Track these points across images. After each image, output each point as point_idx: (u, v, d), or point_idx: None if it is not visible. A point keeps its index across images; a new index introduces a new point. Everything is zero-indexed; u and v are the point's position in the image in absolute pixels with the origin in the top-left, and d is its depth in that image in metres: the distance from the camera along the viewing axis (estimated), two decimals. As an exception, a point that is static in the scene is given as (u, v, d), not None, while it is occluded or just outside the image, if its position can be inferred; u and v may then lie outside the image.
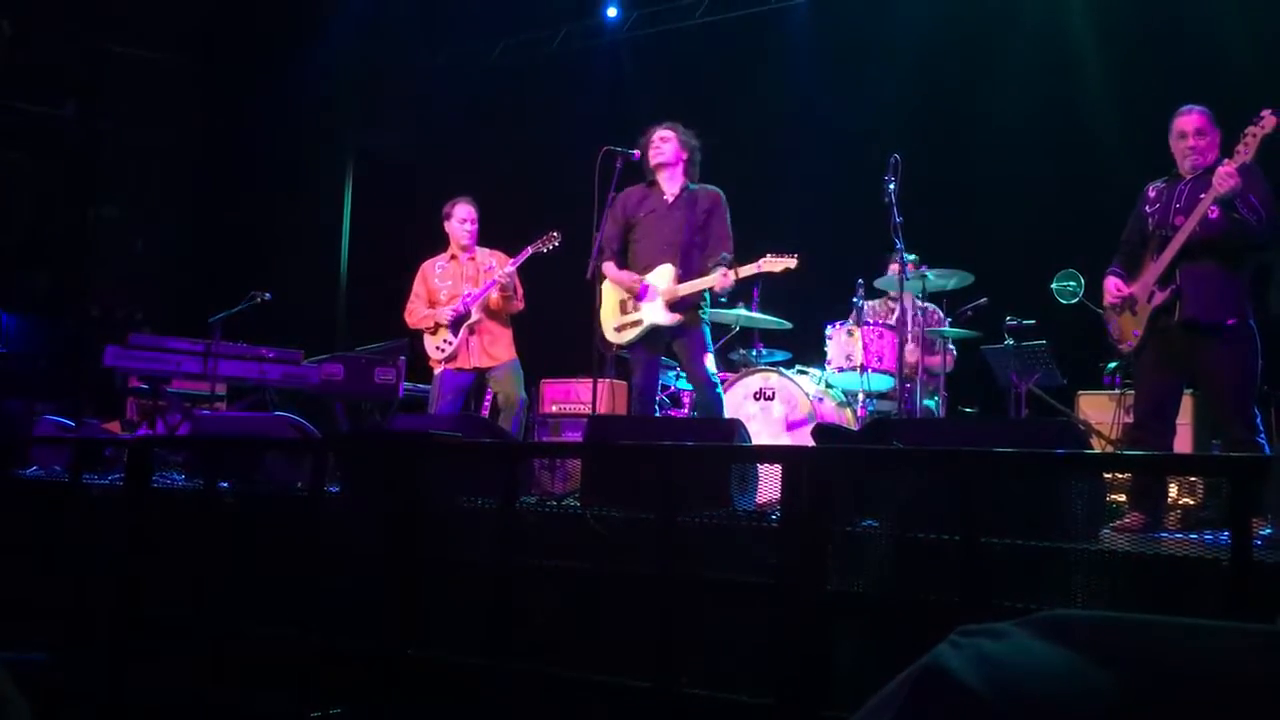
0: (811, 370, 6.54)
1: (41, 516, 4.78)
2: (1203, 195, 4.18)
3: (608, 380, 6.65)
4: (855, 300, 6.45)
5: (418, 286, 6.38)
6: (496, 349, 6.17)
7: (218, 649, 4.02)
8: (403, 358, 7.27)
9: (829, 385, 6.36)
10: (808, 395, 6.04)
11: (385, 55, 10.26)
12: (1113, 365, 5.96)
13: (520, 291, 6.20)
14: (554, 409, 7.34)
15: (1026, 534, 2.83)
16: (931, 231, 6.28)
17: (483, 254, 6.34)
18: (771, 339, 7.00)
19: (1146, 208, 4.50)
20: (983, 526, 2.78)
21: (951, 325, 6.43)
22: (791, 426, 6.03)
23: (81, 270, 10.57)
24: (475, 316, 6.13)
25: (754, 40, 8.70)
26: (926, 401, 6.19)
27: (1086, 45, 7.34)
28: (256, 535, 4.21)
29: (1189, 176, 4.38)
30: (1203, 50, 6.70)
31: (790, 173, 8.07)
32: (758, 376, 6.27)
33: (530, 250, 6.11)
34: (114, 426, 7.73)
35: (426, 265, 6.43)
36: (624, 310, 5.46)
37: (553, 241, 6.10)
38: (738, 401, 6.19)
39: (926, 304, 6.52)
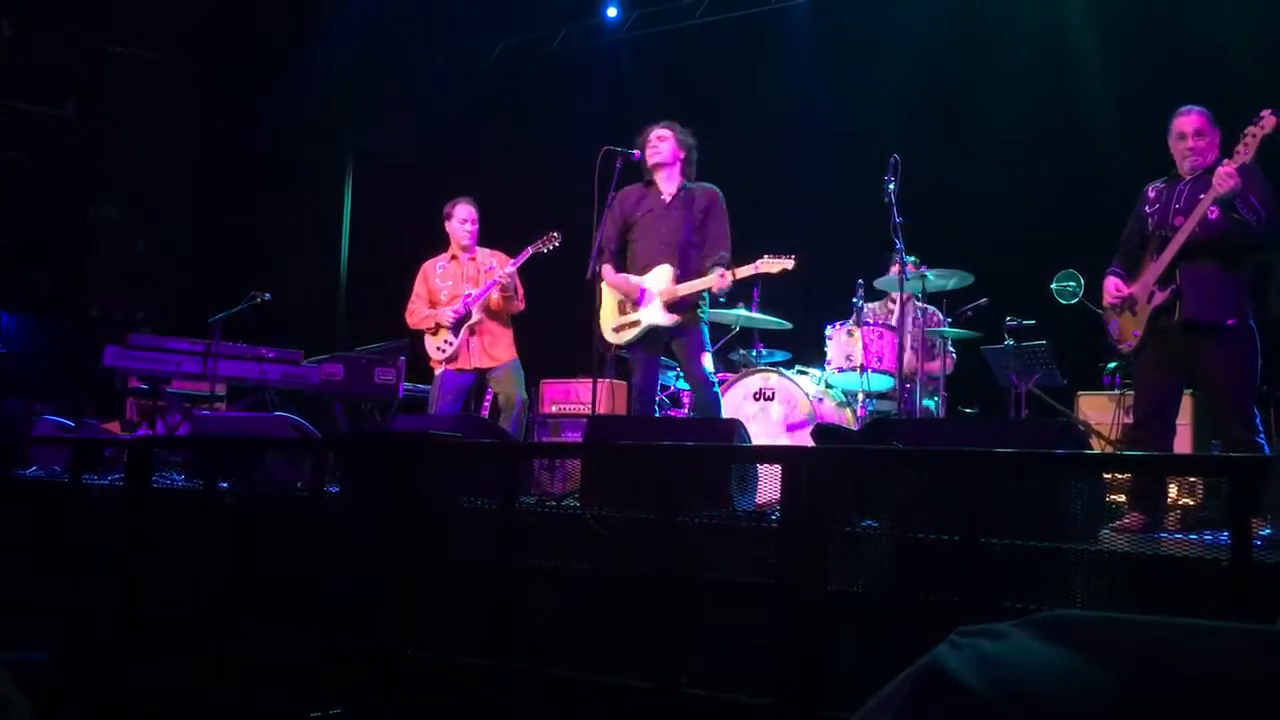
0: (811, 370, 6.55)
1: (41, 516, 4.78)
2: (1202, 195, 4.18)
3: (607, 380, 6.66)
4: (855, 300, 6.45)
5: (418, 287, 6.38)
6: (497, 349, 6.17)
7: (218, 649, 4.03)
8: (403, 358, 7.27)
9: (829, 385, 6.36)
10: (807, 396, 6.04)
11: (385, 55, 10.27)
12: (1112, 365, 5.96)
13: (521, 292, 6.20)
14: (554, 409, 7.34)
15: (1026, 534, 2.83)
16: (931, 232, 6.28)
17: (483, 254, 6.34)
18: (771, 339, 7.00)
19: (1146, 208, 4.50)
20: (982, 527, 2.78)
21: (951, 325, 6.43)
22: (791, 428, 6.03)
23: (81, 270, 10.57)
24: (476, 317, 6.13)
25: (754, 40, 8.70)
26: (926, 402, 6.19)
27: (1086, 45, 7.34)
28: (256, 535, 4.21)
29: (1188, 177, 4.38)
30: (1202, 50, 6.70)
31: (790, 173, 8.08)
32: (757, 377, 6.28)
33: (531, 250, 6.11)
34: (114, 427, 7.73)
35: (427, 265, 6.43)
36: (622, 310, 5.46)
37: (553, 242, 6.10)
38: (737, 402, 6.19)
39: (926, 305, 6.52)
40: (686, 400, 6.82)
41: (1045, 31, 7.46)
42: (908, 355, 6.10)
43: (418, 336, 6.46)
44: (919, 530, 2.95)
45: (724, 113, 8.23)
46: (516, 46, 9.97)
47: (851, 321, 6.40)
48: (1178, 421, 4.45)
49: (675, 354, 5.56)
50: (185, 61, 10.95)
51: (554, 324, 6.56)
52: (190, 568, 4.22)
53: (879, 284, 6.49)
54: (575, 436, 6.69)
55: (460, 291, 6.22)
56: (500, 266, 6.17)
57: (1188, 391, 4.83)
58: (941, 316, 6.54)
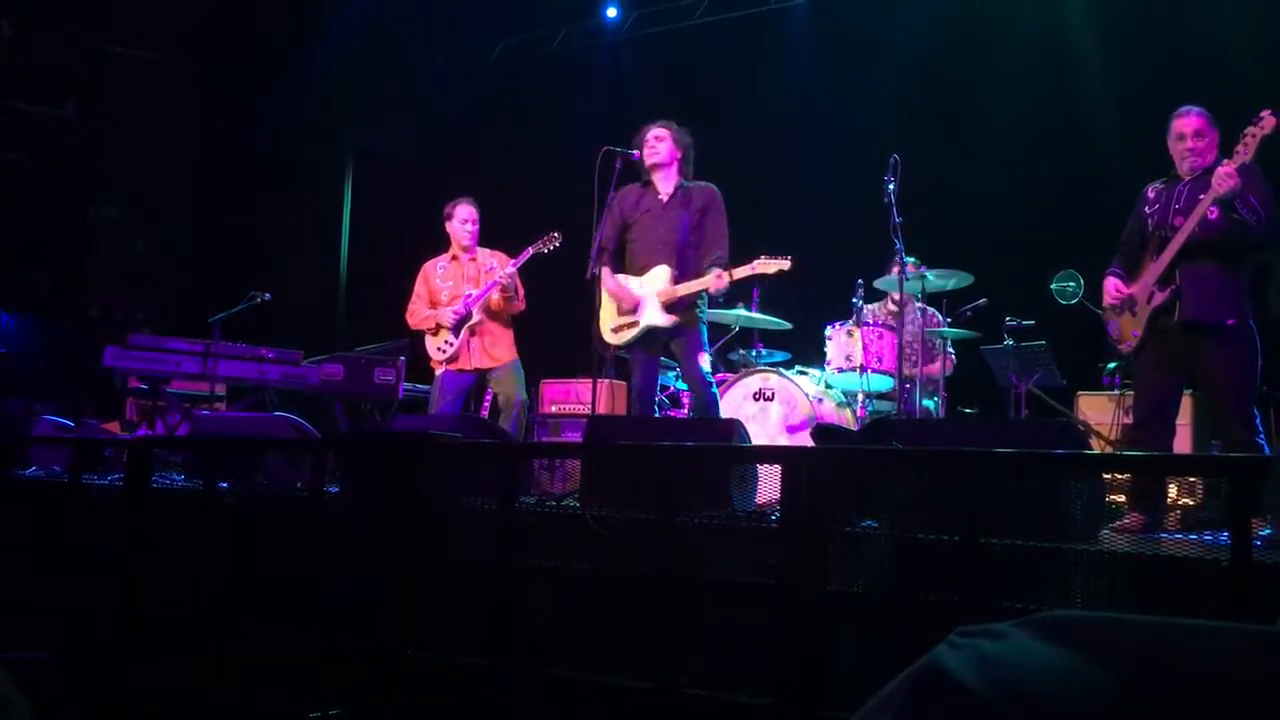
0: (811, 371, 6.55)
1: (41, 516, 4.78)
2: (1202, 196, 4.18)
3: (607, 380, 6.65)
4: (855, 301, 6.45)
5: (419, 287, 6.38)
6: (498, 350, 6.17)
7: (218, 649, 4.03)
8: (402, 358, 7.27)
9: (829, 386, 6.36)
10: (807, 396, 6.04)
11: (385, 55, 10.27)
12: (1112, 366, 5.96)
13: (521, 292, 6.20)
14: (554, 409, 7.34)
15: (1026, 534, 2.83)
16: (931, 232, 6.27)
17: (484, 254, 6.34)
18: (771, 339, 7.00)
19: (1146, 208, 4.50)
20: (982, 527, 2.78)
21: (951, 326, 6.44)
22: (791, 430, 6.03)
23: (81, 270, 10.57)
24: (476, 317, 6.12)
25: (754, 40, 8.70)
26: (926, 402, 6.19)
27: (1086, 45, 7.34)
28: (256, 535, 4.21)
29: (1188, 177, 4.38)
30: (1202, 50, 6.70)
31: (790, 173, 8.07)
32: (757, 377, 6.27)
33: (531, 251, 6.11)
34: (113, 427, 7.73)
35: (428, 266, 6.43)
36: (621, 311, 5.46)
37: (553, 242, 6.10)
38: (737, 402, 6.19)
39: (925, 306, 6.52)
40: (686, 401, 6.81)
41: (1045, 31, 7.46)
42: (907, 362, 6.11)
43: (418, 337, 6.46)
44: (919, 530, 2.95)
45: (724, 113, 8.23)
46: (516, 46, 9.97)
47: (851, 322, 6.40)
48: (1178, 422, 4.45)
49: (674, 354, 5.56)
50: (185, 61, 10.95)
51: (554, 324, 6.56)
52: (190, 568, 4.22)
53: (879, 284, 6.49)
54: (575, 436, 6.69)
55: (461, 292, 6.22)
56: (501, 267, 6.17)
57: (1188, 392, 4.83)
58: (941, 317, 6.54)
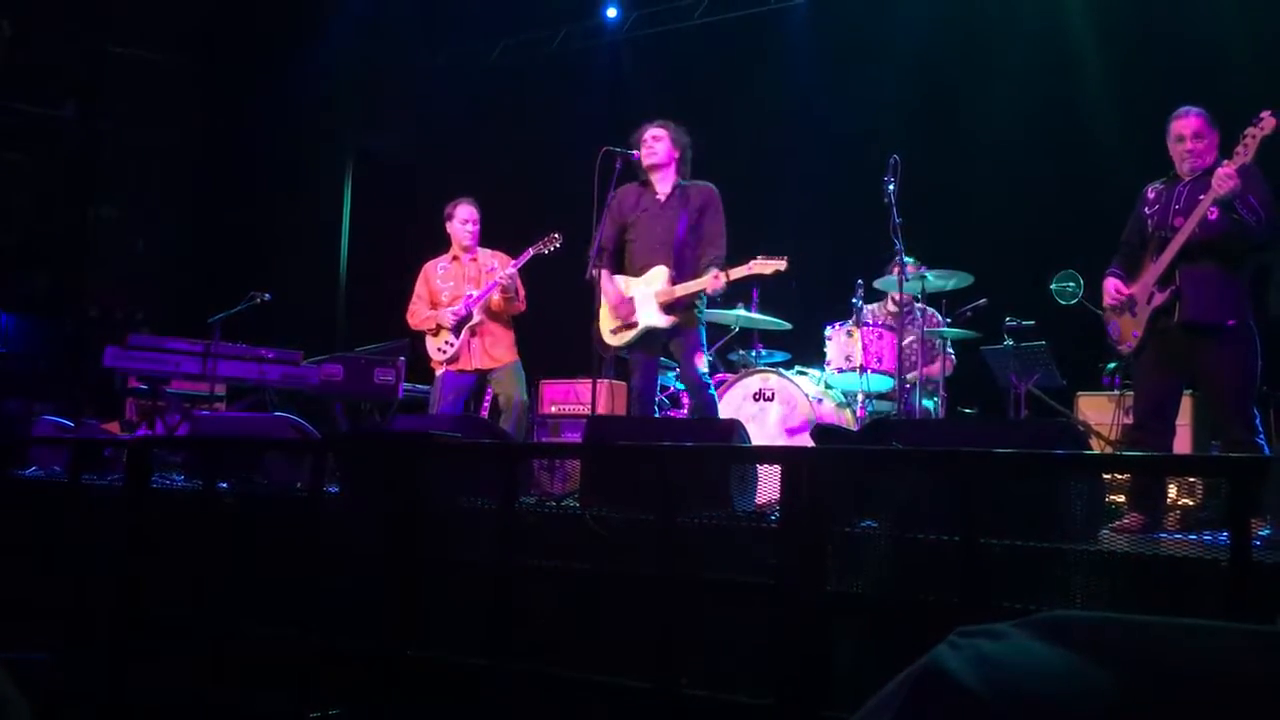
0: (811, 371, 6.54)
1: (41, 516, 4.78)
2: (1202, 196, 4.18)
3: (607, 381, 6.65)
4: (855, 301, 6.45)
5: (419, 287, 6.38)
6: (498, 350, 6.17)
7: (218, 649, 4.03)
8: (402, 358, 7.27)
9: (828, 386, 6.36)
10: (807, 396, 6.04)
11: (385, 55, 10.26)
12: (1112, 366, 5.97)
13: (522, 293, 6.19)
14: (553, 409, 7.34)
15: (1026, 535, 2.83)
16: (931, 232, 6.28)
17: (484, 255, 6.33)
18: (771, 340, 7.00)
19: (1145, 209, 4.50)
20: (982, 527, 2.78)
21: (951, 326, 6.44)
22: (791, 432, 6.02)
23: (81, 270, 10.57)
24: (477, 318, 6.12)
25: (753, 41, 8.70)
26: (925, 402, 6.19)
27: (1086, 45, 7.34)
28: (256, 535, 4.21)
29: (1188, 178, 4.38)
30: (1202, 50, 6.70)
31: (789, 173, 8.07)
32: (757, 377, 6.27)
33: (532, 252, 6.11)
34: (113, 427, 7.73)
35: (428, 266, 6.42)
36: (616, 318, 5.47)
37: (554, 243, 6.09)
38: (737, 402, 6.19)
39: (925, 306, 6.51)
40: (686, 401, 6.81)
41: (1045, 31, 7.46)
42: (907, 365, 6.11)
43: (418, 337, 6.46)
44: (918, 531, 2.95)
45: (724, 113, 8.23)
46: (516, 46, 9.97)
47: (851, 322, 6.40)
48: (1178, 422, 4.45)
49: (673, 355, 5.57)
50: (185, 61, 10.95)
51: (554, 324, 6.56)
52: (190, 568, 4.22)
53: (878, 284, 6.49)
54: (575, 437, 6.69)
55: (462, 292, 6.22)
56: (502, 267, 6.16)
57: (1187, 392, 4.83)
58: (941, 317, 6.54)
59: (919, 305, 6.45)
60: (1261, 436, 4.11)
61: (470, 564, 3.62)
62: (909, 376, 6.14)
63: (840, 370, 6.31)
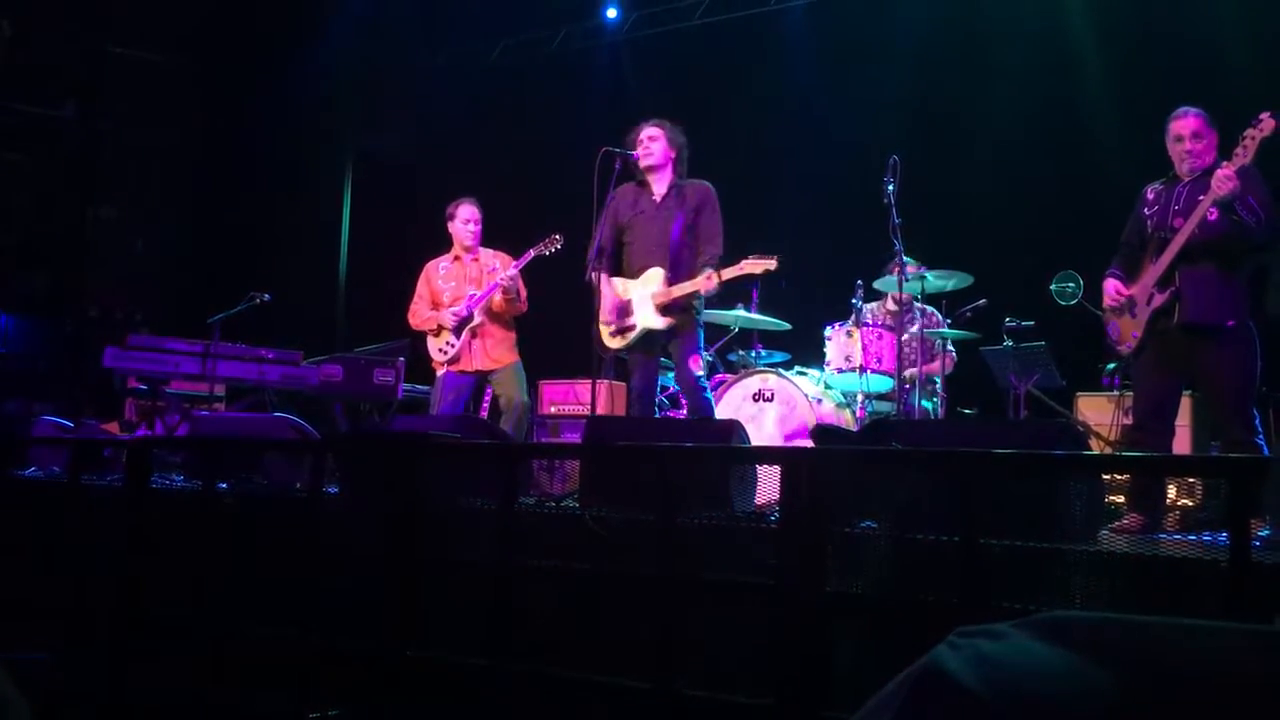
0: (810, 371, 6.54)
1: (41, 516, 4.78)
2: (1201, 197, 4.18)
3: (606, 381, 6.65)
4: (854, 301, 6.45)
5: (421, 288, 6.38)
6: (499, 351, 6.17)
7: (218, 649, 4.03)
8: (402, 359, 7.27)
9: (828, 386, 6.35)
10: (807, 396, 6.03)
11: (385, 55, 10.26)
12: (1112, 366, 5.97)
13: (524, 294, 6.18)
14: (553, 410, 7.34)
15: (1026, 535, 2.83)
16: (931, 232, 6.28)
17: (486, 255, 6.33)
18: (770, 340, 7.00)
19: (1145, 210, 4.50)
20: (982, 527, 2.78)
21: (951, 327, 6.44)
22: (790, 436, 6.02)
23: (80, 270, 10.56)
24: (478, 319, 6.12)
25: (753, 41, 8.70)
26: (925, 403, 6.19)
27: (1086, 45, 7.34)
28: (256, 535, 4.21)
29: (1187, 179, 4.38)
30: (1202, 50, 6.70)
31: (789, 174, 8.07)
32: (756, 378, 6.27)
33: (533, 252, 6.10)
34: (113, 427, 7.73)
35: (430, 266, 6.42)
36: (613, 323, 5.47)
37: (555, 244, 6.08)
38: (736, 403, 6.18)
39: (925, 306, 6.52)
40: (685, 402, 6.81)
41: (1045, 31, 7.46)
42: (906, 365, 6.11)
43: (419, 337, 6.46)
44: (918, 531, 2.95)
45: (723, 113, 8.23)
46: (516, 46, 9.97)
47: (851, 322, 6.40)
48: (1177, 423, 4.46)
49: (671, 355, 5.57)
50: (185, 61, 10.95)
51: (554, 325, 6.56)
52: (190, 568, 4.22)
53: (878, 284, 6.49)
54: (574, 437, 6.69)
55: (463, 292, 6.22)
56: (503, 267, 6.16)
57: (1187, 393, 4.84)
58: (941, 317, 6.54)
59: (919, 305, 6.45)
60: (1261, 437, 4.11)
61: (470, 564, 3.62)
62: (908, 373, 6.14)
63: (840, 371, 6.30)
